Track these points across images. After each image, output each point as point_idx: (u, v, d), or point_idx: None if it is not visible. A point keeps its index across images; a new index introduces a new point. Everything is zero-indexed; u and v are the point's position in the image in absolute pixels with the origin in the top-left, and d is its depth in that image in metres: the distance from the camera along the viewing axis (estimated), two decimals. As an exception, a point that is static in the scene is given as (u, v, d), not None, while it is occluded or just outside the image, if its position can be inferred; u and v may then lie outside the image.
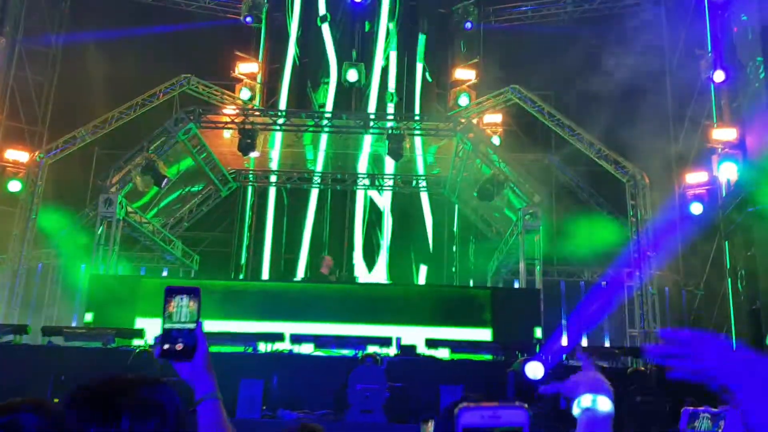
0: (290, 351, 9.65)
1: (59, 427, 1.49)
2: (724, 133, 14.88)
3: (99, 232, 12.47)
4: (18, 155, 14.69)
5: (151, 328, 10.41)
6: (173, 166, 14.25)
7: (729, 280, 15.00)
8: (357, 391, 8.27)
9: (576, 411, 1.69)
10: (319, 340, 9.78)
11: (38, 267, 15.09)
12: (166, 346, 1.74)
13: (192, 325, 1.75)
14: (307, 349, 9.75)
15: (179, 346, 1.74)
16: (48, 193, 14.91)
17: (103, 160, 16.23)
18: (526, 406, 1.10)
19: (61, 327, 9.56)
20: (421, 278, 16.75)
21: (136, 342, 9.49)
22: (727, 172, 14.62)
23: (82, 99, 15.85)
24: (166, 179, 13.05)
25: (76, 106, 15.92)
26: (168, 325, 1.74)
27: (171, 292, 1.78)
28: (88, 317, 11.25)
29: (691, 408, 2.44)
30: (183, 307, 1.76)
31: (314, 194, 17.10)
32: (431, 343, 9.52)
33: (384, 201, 17.14)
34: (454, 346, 9.63)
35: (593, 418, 1.68)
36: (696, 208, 15.60)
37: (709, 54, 15.24)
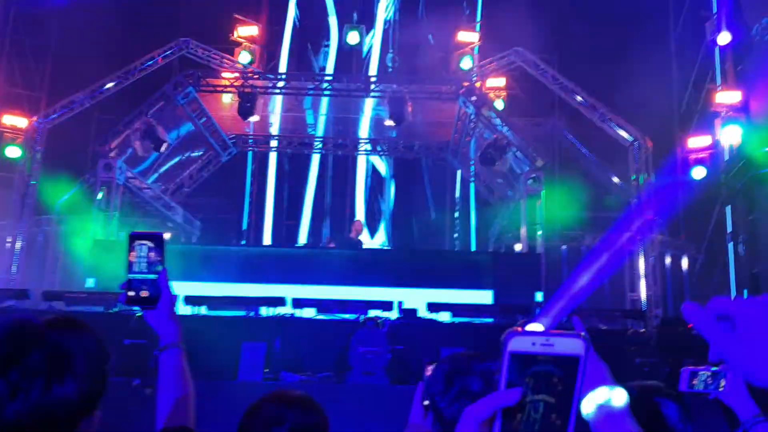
0: (292, 315, 9.68)
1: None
2: (728, 97, 14.72)
3: (99, 197, 12.42)
4: (16, 121, 14.58)
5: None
6: (173, 132, 14.16)
7: (730, 244, 14.99)
8: (358, 353, 8.30)
9: (589, 409, 1.28)
10: (321, 305, 9.80)
11: (39, 233, 15.07)
12: (130, 293, 1.75)
13: (153, 276, 1.74)
14: (309, 313, 9.77)
15: (144, 293, 1.74)
16: (47, 159, 14.84)
17: (103, 125, 16.14)
18: (583, 334, 0.98)
19: (62, 292, 9.57)
20: (423, 243, 16.75)
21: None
22: (730, 136, 14.51)
23: (80, 63, 15.68)
24: (165, 144, 12.97)
25: (74, 71, 15.76)
26: (131, 275, 1.73)
27: (132, 240, 1.75)
28: (90, 282, 11.28)
29: (691, 367, 2.41)
30: (143, 257, 1.74)
31: (315, 159, 17.03)
32: (433, 307, 9.54)
33: (385, 166, 17.06)
34: (456, 309, 9.65)
35: (612, 415, 1.29)
36: (698, 173, 15.50)
37: (714, 15, 15.02)
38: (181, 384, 1.76)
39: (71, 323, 1.36)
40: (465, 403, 1.95)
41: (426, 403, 2.15)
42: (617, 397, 1.32)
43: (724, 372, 2.39)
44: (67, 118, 14.67)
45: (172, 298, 1.78)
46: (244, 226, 17.19)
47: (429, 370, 2.59)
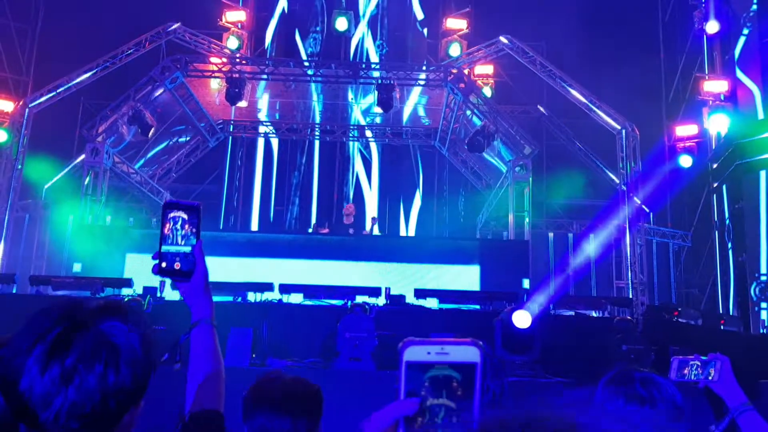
0: (279, 300, 9.68)
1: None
2: (715, 86, 14.80)
3: (86, 182, 12.34)
4: (2, 104, 14.43)
5: (140, 269, 10.51)
6: (158, 116, 14.07)
7: (716, 232, 15.10)
8: (346, 339, 8.32)
9: None
10: (308, 290, 9.81)
11: (26, 217, 14.97)
12: (163, 264, 1.66)
13: (187, 249, 1.66)
14: (296, 299, 9.78)
15: (177, 265, 1.67)
16: (33, 143, 14.71)
17: (89, 109, 16.04)
18: (480, 343, 1.00)
19: (49, 276, 9.52)
20: (411, 230, 16.78)
21: (126, 291, 9.49)
22: (718, 125, 14.59)
23: (67, 47, 15.53)
24: (153, 128, 12.89)
25: (61, 55, 15.61)
26: (164, 248, 1.65)
27: (167, 210, 1.67)
28: (77, 267, 11.24)
29: (681, 357, 2.44)
30: (178, 229, 1.66)
31: (303, 145, 17.00)
32: (420, 293, 9.57)
33: (373, 152, 17.05)
34: (443, 295, 9.69)
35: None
36: (685, 161, 15.60)
37: (703, 4, 15.06)
38: (211, 362, 1.71)
39: (123, 310, 1.33)
40: None
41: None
42: None
43: (713, 361, 2.42)
44: (52, 103, 14.54)
45: (206, 272, 1.71)
46: (232, 211, 17.15)
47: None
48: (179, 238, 1.66)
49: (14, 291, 9.95)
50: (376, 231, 13.29)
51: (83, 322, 1.25)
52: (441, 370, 0.95)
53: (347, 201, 16.10)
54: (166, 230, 1.66)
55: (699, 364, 2.45)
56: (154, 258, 1.67)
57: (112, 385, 1.22)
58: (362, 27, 16.87)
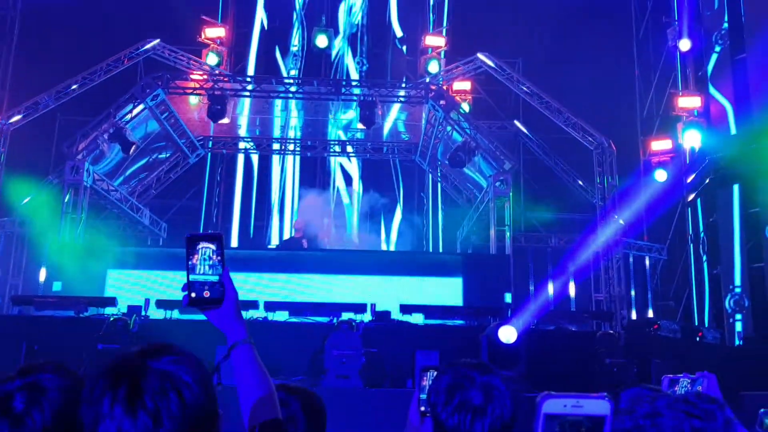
0: (264, 318, 9.68)
1: (78, 391, 1.50)
2: (688, 101, 15.14)
3: (66, 199, 12.24)
4: (-23, 121, 14.30)
5: (123, 281, 10.46)
6: (139, 133, 14.02)
7: (691, 245, 15.40)
8: (333, 356, 8.35)
9: None
10: (293, 307, 9.83)
11: (1, 235, 14.79)
12: (192, 295, 1.73)
13: (215, 278, 1.72)
14: (281, 316, 9.79)
15: (206, 293, 1.72)
16: (8, 159, 14.57)
17: (66, 126, 15.90)
18: (607, 395, 1.14)
19: (31, 296, 9.43)
20: (392, 244, 16.85)
21: (109, 310, 9.42)
22: (691, 140, 14.92)
23: (43, 64, 15.43)
24: (134, 146, 12.85)
25: (37, 71, 15.50)
26: (192, 278, 1.72)
27: (191, 242, 1.74)
28: (57, 286, 11.14)
29: (671, 375, 2.55)
30: (206, 259, 1.73)
31: (284, 161, 17.02)
32: (405, 309, 9.64)
33: (354, 168, 17.13)
34: (428, 311, 9.76)
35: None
36: (660, 175, 15.90)
37: (676, 22, 15.42)
38: (260, 377, 1.77)
39: (170, 350, 1.43)
40: (465, 414, 2.06)
41: (423, 409, 2.24)
42: None
43: (700, 379, 2.53)
44: (29, 120, 14.43)
45: (237, 297, 1.78)
46: (212, 227, 17.08)
47: (426, 378, 2.67)
48: (206, 269, 1.73)
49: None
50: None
51: (139, 368, 1.37)
52: (574, 417, 1.05)
53: (328, 216, 16.16)
54: (194, 260, 1.72)
55: (688, 381, 2.56)
56: (183, 290, 1.73)
57: (190, 403, 1.36)
58: (342, 44, 16.99)
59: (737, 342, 11.78)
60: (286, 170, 17.17)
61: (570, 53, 16.87)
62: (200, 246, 1.73)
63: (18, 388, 1.74)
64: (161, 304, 9.34)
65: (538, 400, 1.12)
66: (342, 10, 17.33)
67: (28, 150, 15.16)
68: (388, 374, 8.52)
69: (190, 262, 1.72)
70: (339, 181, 17.06)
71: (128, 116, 12.86)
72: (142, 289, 11.07)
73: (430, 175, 17.08)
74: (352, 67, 17.05)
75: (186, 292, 1.72)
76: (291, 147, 16.87)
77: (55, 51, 15.86)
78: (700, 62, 15.27)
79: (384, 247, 16.73)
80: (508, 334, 8.08)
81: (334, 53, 16.79)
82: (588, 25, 17.13)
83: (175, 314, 9.37)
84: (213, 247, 1.74)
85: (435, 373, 2.68)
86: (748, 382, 7.35)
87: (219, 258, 1.74)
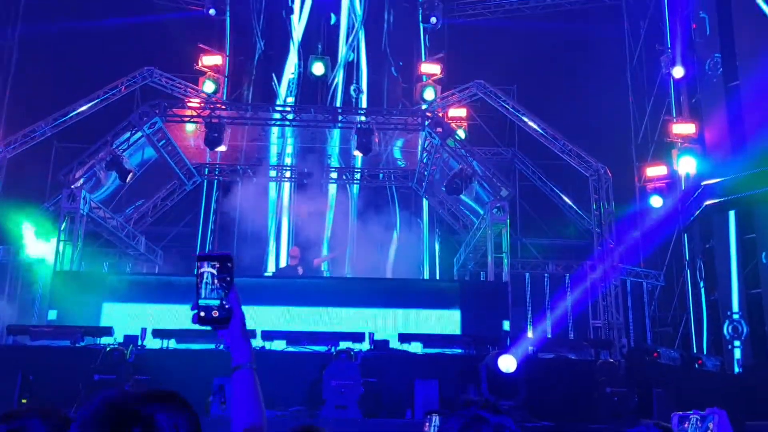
0: (262, 348, 9.59)
1: None
2: (683, 128, 15.26)
3: (62, 227, 12.19)
4: (-26, 149, 14.30)
5: (119, 314, 10.38)
6: (136, 161, 14.02)
7: (688, 271, 15.41)
8: (331, 387, 8.28)
9: None
10: (291, 336, 9.75)
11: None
12: (202, 314, 1.75)
13: (217, 302, 1.75)
14: (278, 345, 9.71)
15: (215, 313, 1.75)
16: (4, 188, 14.55)
17: (62, 154, 15.90)
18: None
19: (27, 326, 9.33)
20: (388, 270, 16.78)
21: (105, 340, 9.34)
22: (686, 166, 15.01)
23: (40, 92, 15.49)
24: (131, 173, 12.84)
25: (34, 99, 15.55)
26: (202, 299, 1.75)
27: (201, 262, 1.77)
28: (52, 315, 11.04)
29: (680, 412, 2.52)
30: (207, 283, 1.76)
31: (281, 188, 17.01)
32: (404, 338, 9.57)
33: (351, 194, 17.14)
34: (426, 340, 9.70)
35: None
36: (656, 201, 15.98)
37: (669, 50, 15.58)
38: (255, 404, 1.78)
39: (163, 397, 1.41)
40: None
41: None
42: None
43: (711, 415, 2.50)
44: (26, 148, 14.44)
45: (243, 317, 1.80)
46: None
47: (430, 424, 2.63)
48: (208, 292, 1.76)
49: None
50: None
51: (130, 416, 1.35)
52: None
53: (323, 242, 16.13)
54: (201, 282, 1.76)
55: (698, 418, 2.53)
56: (192, 309, 1.76)
57: None
58: (339, 72, 17.10)
59: (737, 369, 11.73)
60: (283, 197, 17.14)
61: (564, 80, 17.03)
62: (201, 270, 1.76)
63: None
64: (158, 333, 9.26)
65: None
66: (339, 38, 17.45)
67: (24, 178, 15.15)
68: (387, 404, 8.45)
69: (199, 284, 1.76)
70: (335, 206, 17.03)
71: (125, 144, 12.85)
72: (138, 318, 10.98)
73: (427, 202, 17.08)
74: (348, 95, 17.13)
75: (195, 311, 1.76)
76: (288, 174, 16.87)
77: (53, 79, 15.93)
78: (693, 89, 15.41)
79: (380, 273, 16.66)
80: (507, 363, 8.04)
81: (330, 81, 16.87)
82: (582, 53, 17.30)
83: (172, 344, 9.30)
84: (214, 271, 1.76)
85: (437, 417, 2.65)
86: (750, 410, 7.31)
87: (227, 278, 1.76)
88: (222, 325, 1.77)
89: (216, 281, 1.75)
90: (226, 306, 1.76)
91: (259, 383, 1.82)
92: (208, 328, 1.79)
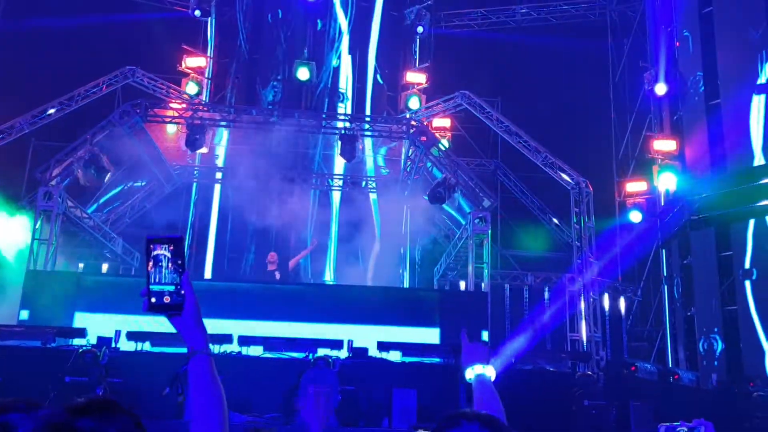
0: (238, 353, 9.47)
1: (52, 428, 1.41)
2: (664, 144, 15.37)
3: (37, 226, 11.97)
4: (-50, 144, 14.04)
5: (92, 323, 10.11)
6: (115, 160, 13.83)
7: (665, 286, 15.50)
8: (308, 393, 8.17)
9: (470, 376, 2.30)
10: (268, 342, 9.63)
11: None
12: (153, 300, 1.64)
13: (173, 287, 1.64)
14: (256, 351, 9.59)
15: (167, 299, 1.64)
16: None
17: (39, 151, 15.66)
18: None
19: (-3, 325, 9.15)
20: (369, 279, 16.71)
21: (77, 341, 9.15)
22: (666, 182, 15.11)
23: (19, 88, 15.24)
24: (109, 173, 12.66)
25: (13, 96, 15.29)
26: (152, 284, 1.63)
27: (151, 245, 1.65)
28: (24, 315, 10.82)
29: (667, 423, 2.47)
30: (163, 267, 1.64)
31: (262, 192, 16.86)
32: (383, 346, 9.49)
33: (333, 200, 17.05)
34: (405, 348, 9.63)
35: (483, 382, 2.27)
36: (635, 216, 16.07)
37: (653, 67, 15.70)
38: (210, 392, 1.67)
39: (101, 407, 1.35)
40: None
41: None
42: (489, 371, 2.29)
43: (698, 427, 2.46)
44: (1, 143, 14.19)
45: (196, 302, 1.69)
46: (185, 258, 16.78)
47: None
48: (165, 272, 1.65)
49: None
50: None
51: (65, 427, 1.30)
52: None
53: (306, 247, 16.02)
54: (150, 266, 1.64)
55: (686, 430, 2.48)
56: (142, 295, 1.64)
57: None
58: (324, 77, 17.05)
59: (711, 384, 11.77)
60: (263, 201, 16.99)
61: (548, 94, 17.10)
62: (155, 253, 1.65)
63: None
64: (132, 336, 9.11)
65: None
66: (325, 44, 17.40)
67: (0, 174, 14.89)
68: (365, 412, 8.36)
69: (149, 269, 1.64)
70: (317, 212, 16.94)
71: (104, 143, 12.67)
72: (112, 320, 10.77)
73: (409, 211, 17.03)
74: (332, 100, 17.07)
75: (145, 297, 1.64)
76: (269, 178, 16.72)
77: (32, 76, 15.69)
78: (675, 106, 15.54)
79: (361, 279, 16.58)
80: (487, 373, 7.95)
81: (315, 86, 16.81)
82: (566, 68, 17.42)
83: (147, 346, 9.14)
84: (168, 254, 1.65)
85: None
86: (725, 426, 7.31)
87: (179, 261, 1.65)
88: (175, 312, 1.66)
89: (170, 264, 1.64)
90: (181, 291, 1.65)
91: (215, 367, 1.71)
92: (161, 315, 1.67)
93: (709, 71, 14.16)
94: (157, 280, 1.63)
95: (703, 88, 14.28)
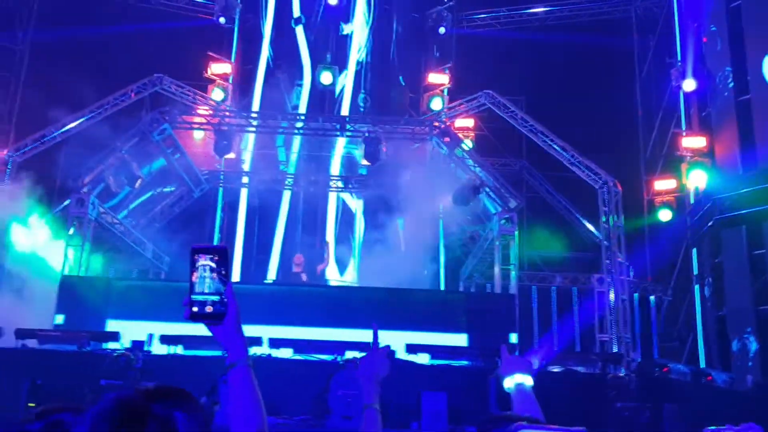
0: (268, 355, 9.54)
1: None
2: (693, 141, 15.21)
3: (70, 232, 12.19)
4: (-17, 153, 14.33)
5: (123, 331, 10.24)
6: (144, 167, 14.03)
7: (696, 286, 15.31)
8: (338, 396, 8.20)
9: (508, 385, 2.40)
10: (298, 345, 9.68)
11: (3, 268, 14.65)
12: (195, 309, 1.67)
13: (217, 297, 1.67)
14: (285, 353, 9.65)
15: (209, 308, 1.67)
16: (14, 192, 14.51)
17: (70, 159, 15.90)
18: (585, 429, 1.09)
19: (34, 329, 9.30)
20: (393, 282, 16.69)
21: (112, 345, 9.30)
22: (696, 180, 14.95)
23: (50, 97, 15.50)
24: (139, 179, 12.84)
25: (44, 105, 15.57)
26: (194, 296, 1.66)
27: (195, 255, 1.68)
28: (59, 319, 11.01)
29: (713, 427, 2.45)
30: (207, 277, 1.67)
31: (286, 196, 17.00)
32: (411, 349, 9.50)
33: (356, 203, 17.11)
34: (434, 351, 9.63)
35: (522, 391, 2.37)
36: (665, 215, 15.91)
37: (679, 63, 15.54)
38: (251, 402, 1.70)
39: (172, 393, 1.38)
40: None
41: None
42: (528, 380, 2.38)
43: (745, 430, 2.44)
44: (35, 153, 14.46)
45: (238, 312, 1.72)
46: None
47: None
48: (209, 282, 1.67)
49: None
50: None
51: (140, 414, 1.33)
52: None
53: (326, 251, 16.07)
54: (194, 278, 1.67)
55: None
56: (184, 304, 1.68)
57: None
58: (347, 80, 17.13)
59: (747, 385, 11.60)
60: (287, 204, 17.12)
61: (573, 92, 16.99)
62: (200, 263, 1.68)
63: (40, 430, 1.70)
64: (165, 339, 9.22)
65: (513, 427, 1.07)
66: (348, 47, 17.48)
67: (33, 182, 15.14)
68: (393, 416, 8.37)
69: (193, 278, 1.67)
70: (342, 215, 17.01)
71: (134, 150, 12.87)
72: (143, 324, 10.90)
73: (433, 212, 17.00)
74: (355, 104, 17.14)
75: (187, 306, 1.67)
76: (293, 182, 16.86)
77: (63, 84, 15.94)
78: (704, 102, 15.36)
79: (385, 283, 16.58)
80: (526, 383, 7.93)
81: (338, 90, 16.89)
82: (591, 65, 17.28)
83: (180, 350, 9.25)
84: (213, 264, 1.68)
85: None
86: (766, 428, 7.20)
87: (223, 271, 1.68)
88: (216, 321, 1.69)
89: (214, 274, 1.67)
90: (224, 301, 1.68)
91: (256, 382, 1.74)
92: (202, 323, 1.70)
93: (738, 67, 13.98)
94: (200, 290, 1.66)
95: (732, 83, 14.11)
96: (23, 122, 15.81)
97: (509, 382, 2.43)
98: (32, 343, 9.14)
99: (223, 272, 1.68)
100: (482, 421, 2.12)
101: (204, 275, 1.67)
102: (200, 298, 1.66)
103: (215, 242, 17.24)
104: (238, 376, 1.70)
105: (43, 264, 13.53)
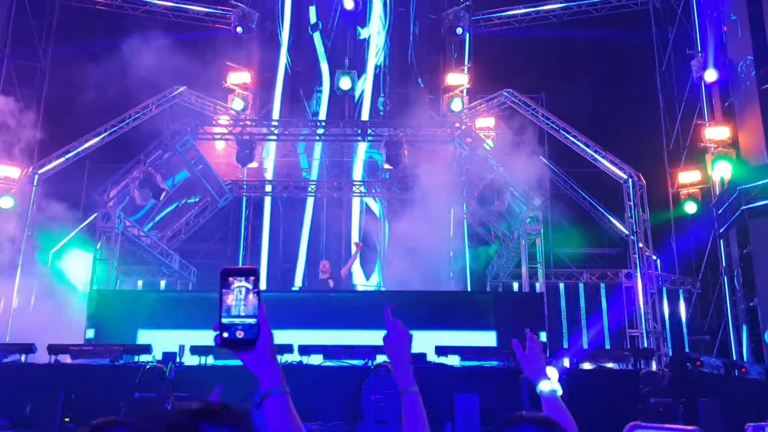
0: (299, 362, 9.58)
1: None
2: (716, 132, 15.03)
3: (98, 246, 12.33)
4: (8, 171, 14.53)
5: (155, 340, 10.34)
6: (168, 179, 14.15)
7: (725, 277, 15.12)
8: (371, 401, 8.22)
9: (544, 388, 2.44)
10: (328, 351, 9.71)
11: (33, 284, 14.84)
12: (225, 335, 1.58)
13: (252, 320, 1.58)
14: (315, 359, 9.68)
15: (240, 334, 1.58)
16: (39, 208, 14.73)
17: (95, 173, 16.09)
18: (700, 429, 1.08)
19: (67, 345, 9.41)
20: (418, 284, 16.68)
21: (144, 358, 9.39)
22: (721, 171, 14.77)
23: (72, 112, 15.70)
24: (164, 192, 12.96)
25: (66, 121, 15.78)
26: (226, 320, 1.58)
27: (226, 278, 1.60)
28: (90, 333, 11.14)
29: (753, 424, 2.45)
30: (241, 300, 1.59)
31: (310, 202, 17.05)
32: (441, 351, 9.49)
33: (381, 207, 17.12)
34: (464, 352, 9.61)
35: (550, 399, 2.39)
36: (690, 207, 15.74)
37: (700, 53, 15.38)
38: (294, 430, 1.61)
39: (220, 412, 1.39)
40: None
41: None
42: (557, 386, 2.44)
43: None
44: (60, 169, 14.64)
45: (272, 336, 1.62)
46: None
47: None
48: (241, 310, 1.59)
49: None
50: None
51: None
52: None
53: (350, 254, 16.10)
54: (228, 300, 1.59)
55: None
56: (214, 329, 1.59)
57: None
58: (366, 85, 17.15)
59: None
60: (311, 211, 17.17)
61: (592, 87, 16.87)
62: (235, 285, 1.60)
63: None
64: (196, 350, 9.29)
65: (626, 429, 1.07)
66: (365, 51, 17.51)
67: (58, 198, 15.34)
68: (427, 418, 8.35)
69: (223, 303, 1.59)
70: (365, 221, 17.02)
71: (158, 163, 12.99)
72: (173, 335, 11.00)
73: (457, 213, 16.98)
74: (375, 108, 17.15)
75: (218, 332, 1.58)
76: (316, 188, 16.90)
77: (84, 99, 16.13)
78: (726, 92, 15.18)
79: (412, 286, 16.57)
80: (549, 375, 7.89)
81: (357, 94, 16.92)
82: (610, 59, 17.15)
83: (211, 360, 9.32)
84: (249, 285, 1.60)
85: None
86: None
87: (255, 296, 1.60)
88: (248, 347, 1.59)
89: (245, 297, 1.59)
90: (256, 325, 1.58)
91: (293, 407, 1.63)
92: (232, 350, 1.60)
93: (760, 55, 13.80)
94: (230, 313, 1.58)
95: (754, 72, 13.93)
96: (47, 139, 15.99)
97: (546, 386, 2.46)
98: (64, 357, 9.25)
99: (253, 295, 1.60)
100: (500, 421, 2.15)
101: (240, 297, 1.59)
102: (233, 321, 1.58)
103: (240, 251, 17.35)
104: (274, 404, 1.60)
105: (62, 278, 13.72)
